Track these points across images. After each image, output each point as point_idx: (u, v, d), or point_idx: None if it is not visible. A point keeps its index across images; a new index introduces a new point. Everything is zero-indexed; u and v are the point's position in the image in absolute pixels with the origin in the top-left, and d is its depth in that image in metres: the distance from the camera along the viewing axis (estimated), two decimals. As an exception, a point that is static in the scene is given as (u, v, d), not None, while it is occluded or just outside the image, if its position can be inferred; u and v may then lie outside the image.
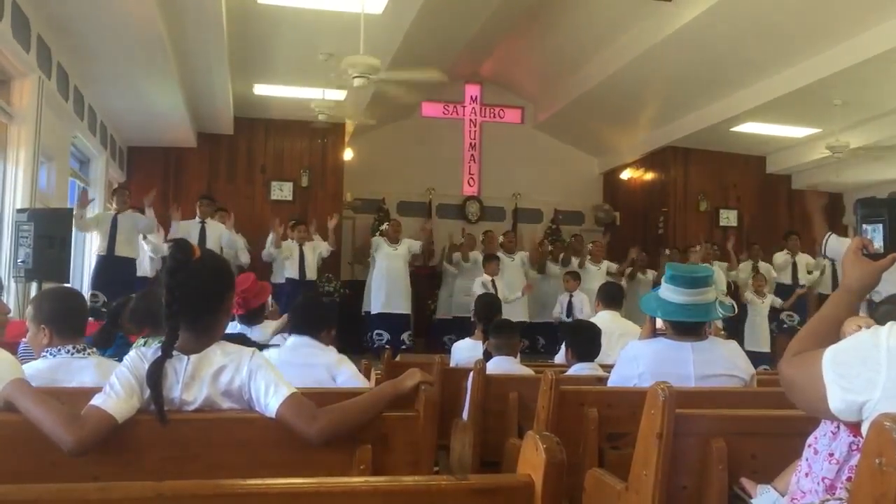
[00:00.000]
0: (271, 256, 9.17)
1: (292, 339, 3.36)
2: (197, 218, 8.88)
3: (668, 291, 2.94)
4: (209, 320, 1.94)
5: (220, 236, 8.79)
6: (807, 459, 1.68)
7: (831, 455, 1.60)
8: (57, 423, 1.70)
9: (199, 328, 1.92)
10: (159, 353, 1.86)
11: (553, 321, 9.32)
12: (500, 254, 9.45)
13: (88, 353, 2.61)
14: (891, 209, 1.68)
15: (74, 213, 7.07)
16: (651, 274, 10.00)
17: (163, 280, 1.91)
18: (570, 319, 8.78)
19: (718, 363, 2.91)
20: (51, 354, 2.56)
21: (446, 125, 12.81)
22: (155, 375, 1.81)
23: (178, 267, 1.89)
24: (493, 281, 8.63)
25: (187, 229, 8.59)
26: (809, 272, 9.82)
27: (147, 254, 8.57)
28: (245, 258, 9.06)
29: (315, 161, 11.12)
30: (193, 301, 1.89)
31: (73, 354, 2.57)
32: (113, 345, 3.25)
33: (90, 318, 3.29)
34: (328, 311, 3.68)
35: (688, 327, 2.93)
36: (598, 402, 2.72)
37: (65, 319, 2.62)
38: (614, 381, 3.10)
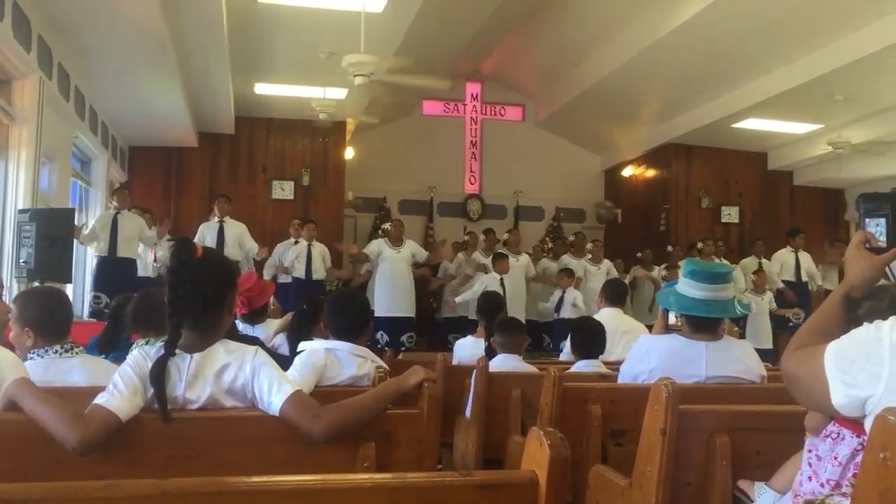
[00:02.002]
0: (269, 274, 9.15)
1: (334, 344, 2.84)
2: (216, 217, 8.89)
3: (686, 286, 2.92)
4: (212, 318, 1.94)
5: (240, 235, 8.82)
6: (810, 465, 1.67)
7: (835, 458, 1.60)
8: (61, 422, 1.70)
9: (201, 326, 1.92)
10: (162, 352, 1.86)
11: (539, 317, 9.34)
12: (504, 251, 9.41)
13: (75, 353, 2.60)
14: (893, 204, 1.68)
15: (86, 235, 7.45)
16: (657, 271, 9.99)
17: (166, 278, 1.91)
18: (557, 315, 8.84)
19: (731, 365, 2.89)
20: (38, 356, 2.54)
21: (447, 123, 12.82)
22: (158, 373, 1.82)
23: (180, 265, 1.90)
24: (501, 279, 8.61)
25: (204, 231, 8.66)
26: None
27: (149, 257, 8.59)
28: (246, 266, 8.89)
29: (316, 160, 11.13)
30: (196, 299, 1.89)
31: (60, 354, 2.56)
32: (118, 347, 3.23)
33: (94, 320, 3.28)
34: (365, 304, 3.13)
35: (704, 324, 2.91)
36: (602, 398, 2.72)
37: (48, 322, 2.60)
38: (624, 374, 3.08)
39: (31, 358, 2.55)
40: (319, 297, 3.99)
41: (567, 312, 8.67)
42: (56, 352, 2.55)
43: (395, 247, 8.83)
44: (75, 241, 6.82)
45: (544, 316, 9.49)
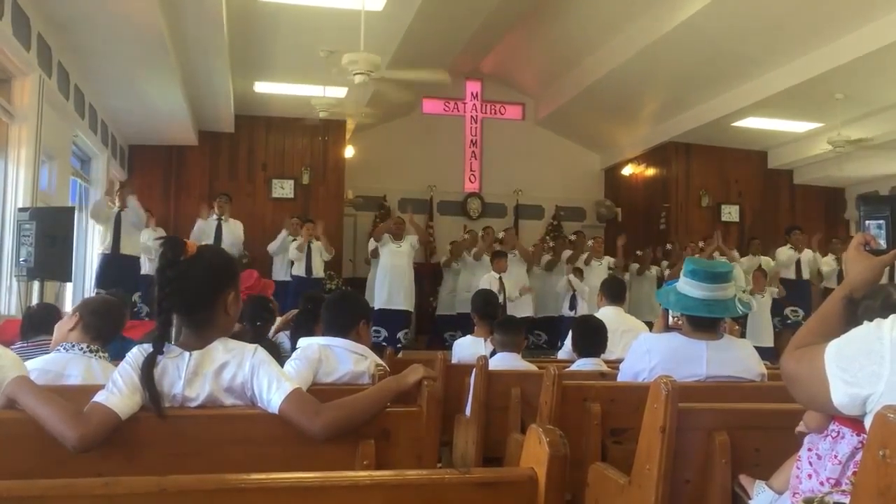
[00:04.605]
0: (275, 253, 9.20)
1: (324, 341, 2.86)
2: (214, 215, 8.89)
3: (687, 286, 2.90)
4: (205, 316, 1.94)
5: (236, 231, 8.85)
6: (810, 463, 1.67)
7: (835, 456, 1.60)
8: (61, 420, 1.70)
9: (195, 324, 1.93)
10: (203, 354, 1.89)
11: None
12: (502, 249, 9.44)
13: (99, 356, 2.66)
14: (893, 206, 1.69)
15: (98, 201, 7.35)
16: (655, 269, 10.00)
17: (155, 277, 1.92)
18: (573, 313, 8.82)
19: (732, 364, 2.88)
20: (63, 349, 2.63)
21: (447, 122, 12.81)
22: (147, 370, 1.82)
23: (167, 264, 1.90)
24: (500, 278, 8.63)
25: (204, 228, 8.66)
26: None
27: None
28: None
29: (316, 158, 11.13)
30: (186, 297, 1.90)
31: (84, 352, 2.63)
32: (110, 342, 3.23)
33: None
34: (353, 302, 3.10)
35: (705, 324, 2.90)
36: (601, 397, 2.72)
37: (98, 315, 2.74)
38: (624, 373, 3.07)
39: (57, 350, 2.64)
40: (321, 295, 4.00)
41: (584, 309, 8.67)
42: (82, 349, 2.63)
43: (396, 241, 8.88)
44: (75, 239, 6.81)
45: (541, 312, 9.51)
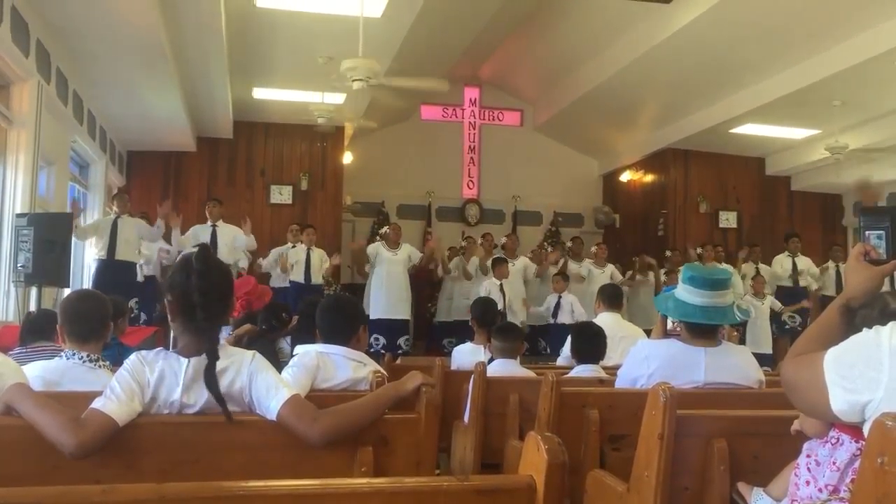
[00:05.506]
0: (269, 269, 9.15)
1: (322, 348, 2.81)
2: (209, 221, 8.87)
3: (685, 292, 2.89)
4: (223, 321, 1.99)
5: (235, 238, 8.82)
6: (808, 470, 1.67)
7: (834, 463, 1.60)
8: (58, 427, 1.70)
9: (210, 329, 1.93)
10: (163, 357, 1.89)
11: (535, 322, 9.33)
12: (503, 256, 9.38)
13: (100, 366, 2.60)
14: (893, 217, 1.70)
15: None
16: (653, 276, 9.97)
17: (195, 284, 1.91)
18: (554, 320, 8.80)
19: (730, 371, 2.87)
20: (65, 356, 2.57)
21: (446, 128, 12.83)
22: (210, 376, 1.86)
23: (206, 270, 1.92)
24: (501, 285, 8.57)
25: (198, 233, 8.63)
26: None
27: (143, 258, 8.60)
28: (244, 263, 9.03)
29: (315, 164, 11.14)
30: (214, 304, 1.92)
31: (84, 362, 2.56)
32: (109, 347, 3.21)
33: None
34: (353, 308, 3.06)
35: (703, 330, 2.89)
36: (599, 403, 2.71)
37: (72, 321, 2.63)
38: (623, 379, 3.06)
39: (59, 357, 2.59)
40: (321, 300, 4.00)
41: (565, 317, 8.64)
42: (81, 359, 2.56)
43: (392, 249, 8.82)
44: (73, 244, 6.81)
45: (539, 320, 9.47)
